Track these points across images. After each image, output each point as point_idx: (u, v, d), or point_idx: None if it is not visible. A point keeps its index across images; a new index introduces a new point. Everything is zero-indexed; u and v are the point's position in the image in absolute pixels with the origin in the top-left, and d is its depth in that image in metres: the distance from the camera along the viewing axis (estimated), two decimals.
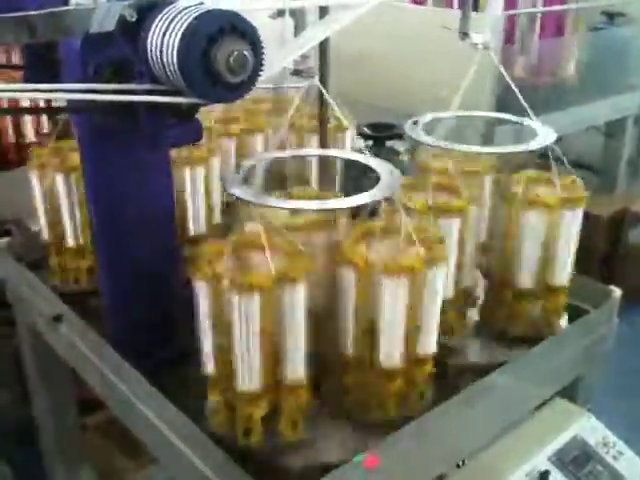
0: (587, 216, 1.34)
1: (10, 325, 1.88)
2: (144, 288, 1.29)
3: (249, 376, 1.03)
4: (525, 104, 1.39)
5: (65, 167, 1.45)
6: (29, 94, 1.00)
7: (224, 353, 1.05)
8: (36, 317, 1.58)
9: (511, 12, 2.65)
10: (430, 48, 2.37)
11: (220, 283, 1.00)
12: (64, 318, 1.38)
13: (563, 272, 1.33)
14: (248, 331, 1.01)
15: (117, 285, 1.32)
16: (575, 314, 1.41)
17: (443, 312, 1.15)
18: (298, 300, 1.02)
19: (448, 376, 1.25)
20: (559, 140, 1.33)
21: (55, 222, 1.51)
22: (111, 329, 1.32)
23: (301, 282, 1.02)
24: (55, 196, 1.48)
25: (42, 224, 1.54)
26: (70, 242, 1.51)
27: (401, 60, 2.73)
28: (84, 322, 1.32)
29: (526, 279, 1.33)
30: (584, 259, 1.40)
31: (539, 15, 2.91)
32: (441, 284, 1.11)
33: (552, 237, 1.30)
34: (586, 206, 1.30)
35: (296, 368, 1.06)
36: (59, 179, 1.46)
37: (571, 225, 1.30)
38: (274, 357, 1.04)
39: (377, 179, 1.14)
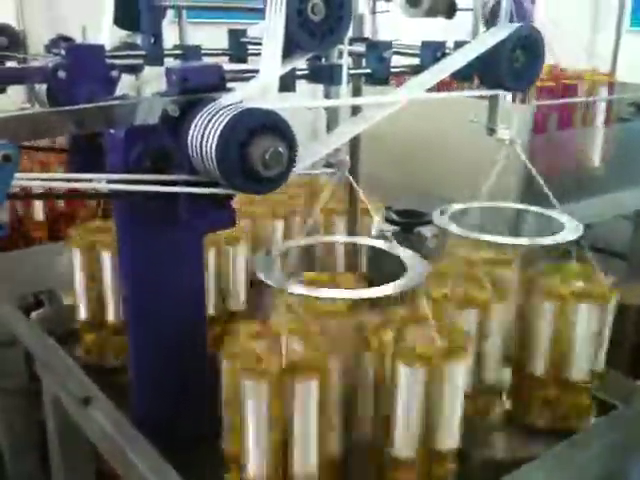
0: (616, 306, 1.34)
1: (37, 396, 1.90)
2: (171, 368, 1.30)
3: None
4: (551, 195, 1.42)
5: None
6: (72, 184, 1.05)
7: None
8: (63, 394, 1.59)
9: (542, 102, 2.70)
10: (466, 134, 2.42)
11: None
12: (93, 400, 1.39)
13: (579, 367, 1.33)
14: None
15: (145, 363, 1.34)
16: (603, 409, 1.39)
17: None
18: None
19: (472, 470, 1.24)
20: (587, 228, 1.35)
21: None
22: (137, 408, 1.34)
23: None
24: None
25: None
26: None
27: (439, 145, 2.79)
28: (113, 404, 1.33)
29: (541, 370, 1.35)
30: (613, 351, 1.38)
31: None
32: (462, 378, 1.12)
33: (568, 330, 1.31)
34: (615, 296, 1.31)
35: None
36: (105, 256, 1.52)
37: (590, 319, 1.30)
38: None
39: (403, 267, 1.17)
